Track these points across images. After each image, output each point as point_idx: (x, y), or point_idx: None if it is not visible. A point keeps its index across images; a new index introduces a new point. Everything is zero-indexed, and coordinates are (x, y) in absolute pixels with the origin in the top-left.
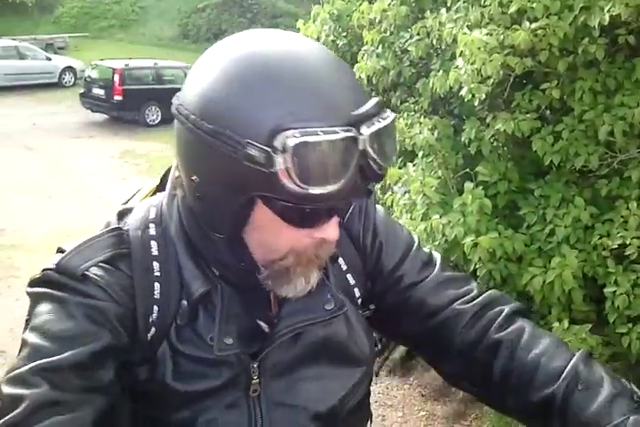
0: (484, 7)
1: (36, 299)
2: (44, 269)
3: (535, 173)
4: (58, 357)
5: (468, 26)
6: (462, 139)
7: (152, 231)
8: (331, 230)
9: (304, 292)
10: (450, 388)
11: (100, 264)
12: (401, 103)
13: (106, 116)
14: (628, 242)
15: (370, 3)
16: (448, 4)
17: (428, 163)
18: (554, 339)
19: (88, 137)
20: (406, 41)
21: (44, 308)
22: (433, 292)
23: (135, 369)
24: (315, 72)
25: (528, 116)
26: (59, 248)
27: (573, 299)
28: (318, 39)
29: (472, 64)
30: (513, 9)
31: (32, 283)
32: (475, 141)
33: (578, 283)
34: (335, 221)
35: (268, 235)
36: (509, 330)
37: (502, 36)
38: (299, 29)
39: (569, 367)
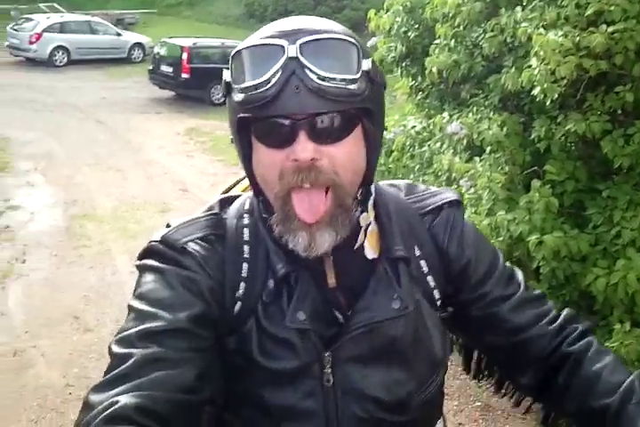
0: (561, 8)
1: (142, 270)
2: (150, 242)
3: (604, 173)
4: (161, 322)
5: (543, 25)
6: (531, 136)
7: (246, 221)
8: (300, 149)
9: (307, 250)
10: None
11: (198, 240)
12: (470, 97)
13: (172, 93)
14: None
15: None
16: (524, 3)
17: (495, 158)
18: (616, 357)
19: (155, 113)
20: (479, 36)
21: (148, 278)
22: (517, 310)
23: (225, 339)
24: (289, 19)
25: (600, 117)
26: (167, 224)
27: (636, 301)
28: (390, 30)
29: (546, 64)
30: (590, 11)
31: (140, 256)
32: (544, 140)
33: None
34: (304, 141)
35: (262, 166)
36: (579, 344)
37: (578, 38)
38: (369, 19)
39: (627, 382)
